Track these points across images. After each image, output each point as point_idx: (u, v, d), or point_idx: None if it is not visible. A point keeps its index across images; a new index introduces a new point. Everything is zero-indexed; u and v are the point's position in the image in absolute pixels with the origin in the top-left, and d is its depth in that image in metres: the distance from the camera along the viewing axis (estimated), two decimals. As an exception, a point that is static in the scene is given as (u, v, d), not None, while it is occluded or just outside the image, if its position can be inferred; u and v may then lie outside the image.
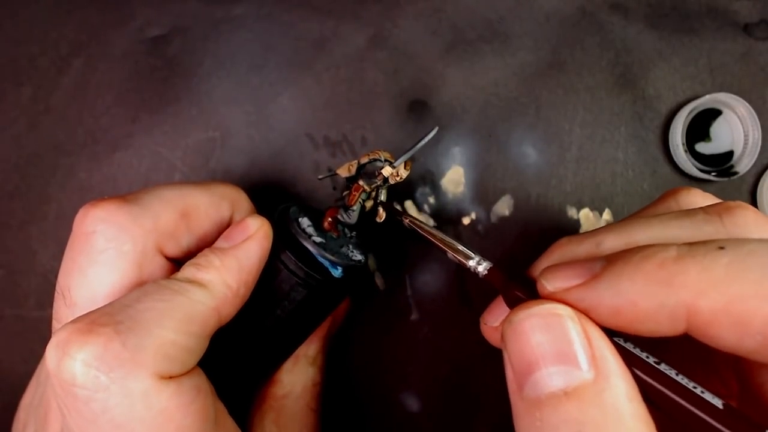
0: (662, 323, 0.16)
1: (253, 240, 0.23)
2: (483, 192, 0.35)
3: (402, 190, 0.36)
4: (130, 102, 0.36)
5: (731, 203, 0.18)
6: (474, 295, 0.35)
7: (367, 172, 0.28)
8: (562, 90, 0.36)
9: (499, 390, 0.34)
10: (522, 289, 0.20)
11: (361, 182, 0.27)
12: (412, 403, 0.34)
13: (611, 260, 0.17)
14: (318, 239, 0.25)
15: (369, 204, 0.28)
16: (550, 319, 0.17)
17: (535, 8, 0.36)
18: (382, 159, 0.27)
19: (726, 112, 0.36)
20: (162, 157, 0.36)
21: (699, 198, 0.21)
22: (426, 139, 0.26)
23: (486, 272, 0.21)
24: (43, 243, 0.36)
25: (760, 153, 0.35)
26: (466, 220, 0.35)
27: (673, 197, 0.22)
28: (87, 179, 0.36)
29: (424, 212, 0.35)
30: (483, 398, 0.34)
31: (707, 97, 0.34)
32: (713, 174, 0.35)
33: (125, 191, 0.36)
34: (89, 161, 0.36)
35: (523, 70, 0.36)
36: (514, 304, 0.19)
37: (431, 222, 0.35)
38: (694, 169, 0.34)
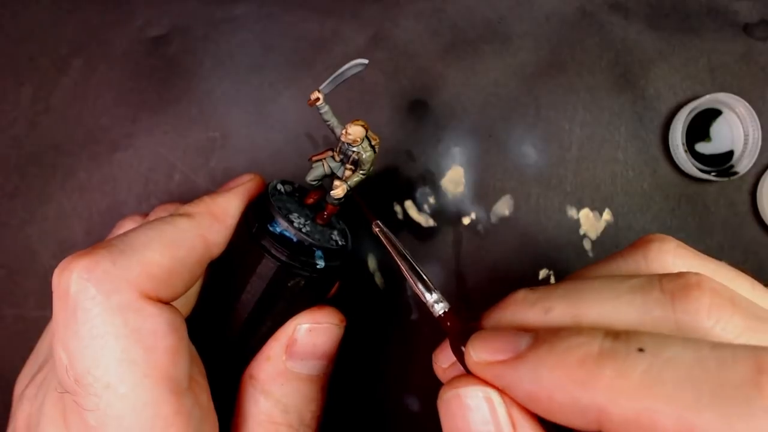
0: (576, 420, 0.15)
1: (243, 186, 0.26)
2: (483, 192, 0.35)
3: (402, 191, 0.36)
4: (130, 102, 0.36)
5: (692, 280, 0.17)
6: (473, 296, 0.35)
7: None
8: (562, 90, 0.36)
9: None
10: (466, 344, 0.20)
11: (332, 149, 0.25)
12: (413, 403, 0.34)
13: (537, 342, 0.17)
14: (299, 223, 0.24)
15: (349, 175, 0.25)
16: (476, 401, 0.17)
17: (535, 8, 0.36)
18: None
19: (726, 112, 0.36)
20: (162, 157, 0.36)
21: (669, 256, 0.20)
22: (349, 68, 0.23)
23: (441, 314, 0.21)
24: (43, 243, 0.36)
25: (760, 153, 0.35)
26: (466, 220, 0.35)
27: (642, 252, 0.21)
28: (87, 179, 0.36)
29: (424, 212, 0.36)
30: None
31: (707, 97, 0.34)
32: (713, 174, 0.35)
33: (125, 191, 0.36)
34: (89, 161, 0.36)
35: (523, 70, 0.36)
36: (459, 356, 0.20)
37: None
38: (694, 169, 0.34)
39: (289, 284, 0.24)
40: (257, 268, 0.24)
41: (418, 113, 0.36)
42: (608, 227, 0.36)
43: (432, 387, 0.35)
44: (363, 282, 0.35)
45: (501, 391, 0.17)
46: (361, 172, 0.24)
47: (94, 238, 0.36)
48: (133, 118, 0.36)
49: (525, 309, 0.19)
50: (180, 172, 0.36)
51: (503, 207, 0.36)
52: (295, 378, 0.24)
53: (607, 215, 0.36)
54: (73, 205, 0.36)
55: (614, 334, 0.16)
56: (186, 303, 0.26)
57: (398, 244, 0.23)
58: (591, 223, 0.36)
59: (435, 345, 0.28)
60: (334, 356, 0.26)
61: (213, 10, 0.37)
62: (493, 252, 0.35)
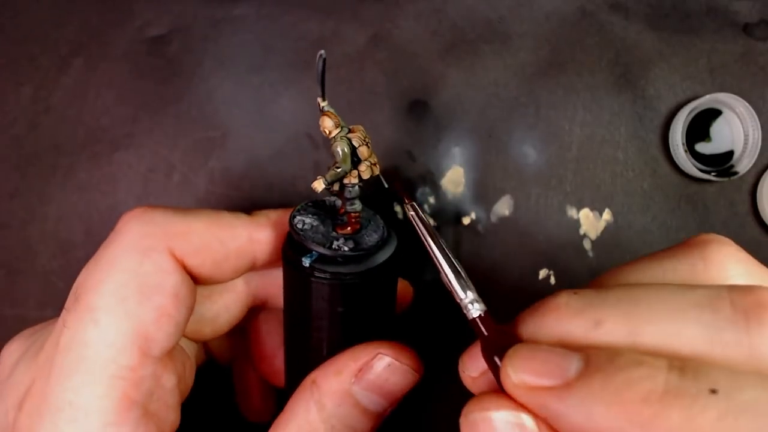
0: None
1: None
2: (483, 192, 0.35)
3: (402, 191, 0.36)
4: (130, 102, 0.36)
5: (766, 297, 0.15)
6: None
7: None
8: (562, 90, 0.36)
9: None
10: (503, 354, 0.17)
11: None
12: (412, 403, 0.34)
13: (590, 368, 0.15)
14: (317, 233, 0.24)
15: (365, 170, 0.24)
16: (508, 427, 0.16)
17: (535, 8, 0.36)
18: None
19: (726, 112, 0.36)
20: (162, 157, 0.36)
21: (731, 261, 0.18)
22: (319, 65, 0.23)
23: (477, 317, 0.18)
24: (43, 243, 0.36)
25: (760, 153, 0.35)
26: (466, 220, 0.35)
27: (699, 253, 0.18)
28: (87, 179, 0.36)
29: (425, 212, 0.35)
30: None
31: (707, 97, 0.34)
32: (713, 174, 0.35)
33: (125, 191, 0.36)
34: (89, 161, 0.36)
35: (523, 70, 0.36)
36: (494, 370, 0.18)
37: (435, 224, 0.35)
38: (694, 169, 0.34)
39: (332, 293, 0.23)
40: (306, 291, 0.23)
41: (418, 113, 0.36)
42: (608, 227, 0.36)
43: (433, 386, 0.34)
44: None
45: (537, 417, 0.16)
46: (335, 166, 0.24)
47: (94, 238, 0.36)
48: (133, 118, 0.36)
49: (569, 318, 0.17)
50: (179, 172, 0.36)
51: (503, 207, 0.36)
52: (354, 405, 0.23)
53: (607, 215, 0.36)
54: (73, 205, 0.36)
55: (680, 368, 0.14)
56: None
57: (434, 232, 0.20)
58: (591, 223, 0.36)
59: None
60: (397, 402, 0.24)
61: (213, 10, 0.37)
62: (493, 252, 0.35)
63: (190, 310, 0.23)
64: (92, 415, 0.20)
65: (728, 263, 0.18)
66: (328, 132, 0.23)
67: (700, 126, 0.36)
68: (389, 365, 0.23)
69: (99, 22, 0.37)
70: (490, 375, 0.18)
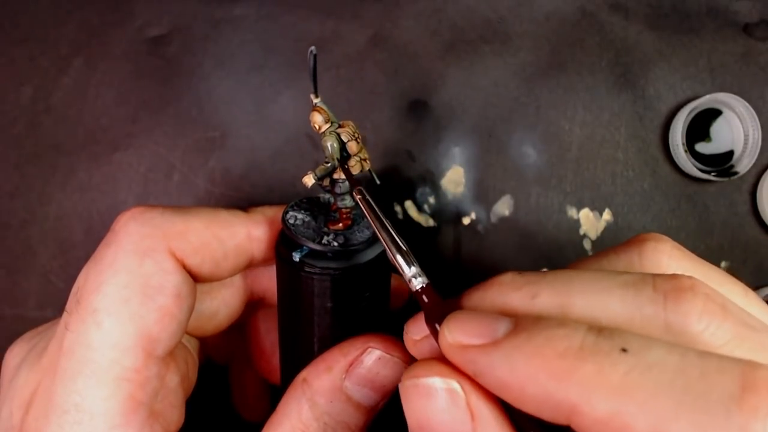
0: (546, 413, 0.15)
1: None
2: (483, 192, 0.35)
3: (402, 191, 0.36)
4: (130, 102, 0.36)
5: (685, 283, 0.17)
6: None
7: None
8: (562, 90, 0.36)
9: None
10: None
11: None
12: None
13: (517, 329, 0.16)
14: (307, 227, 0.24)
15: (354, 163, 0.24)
16: (437, 391, 0.17)
17: (535, 8, 0.36)
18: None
19: (726, 112, 0.36)
20: (162, 157, 0.36)
21: (664, 257, 0.20)
22: (310, 61, 0.23)
23: (418, 289, 0.20)
24: (43, 243, 0.36)
25: (760, 153, 0.35)
26: (466, 220, 0.35)
27: (637, 250, 0.21)
28: (87, 179, 0.36)
29: (425, 212, 0.35)
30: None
31: (707, 97, 0.34)
32: (713, 174, 0.35)
33: (125, 191, 0.36)
34: (89, 161, 0.36)
35: (523, 70, 0.36)
36: (434, 334, 0.19)
37: (431, 219, 0.35)
38: (694, 169, 0.34)
39: (322, 287, 0.23)
40: (297, 286, 0.24)
41: (418, 113, 0.36)
42: (608, 227, 0.36)
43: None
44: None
45: (467, 377, 0.17)
46: (325, 161, 0.24)
47: (94, 238, 0.36)
48: (133, 118, 0.36)
49: (510, 292, 0.19)
50: (179, 172, 0.36)
51: (503, 207, 0.36)
52: (347, 400, 0.23)
53: (607, 215, 0.36)
54: (73, 205, 0.36)
55: (598, 330, 0.15)
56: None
57: (380, 214, 0.22)
58: (591, 223, 0.36)
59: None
60: (389, 395, 0.24)
61: (213, 10, 0.37)
62: (493, 252, 0.35)
63: (192, 308, 0.23)
64: (98, 417, 0.20)
65: (662, 258, 0.20)
66: (317, 127, 0.24)
67: (700, 126, 0.36)
68: (380, 358, 0.23)
69: (99, 22, 0.37)
70: (431, 341, 0.19)
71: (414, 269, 0.20)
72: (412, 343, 0.21)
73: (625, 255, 0.21)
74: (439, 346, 0.18)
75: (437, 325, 0.18)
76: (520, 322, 0.16)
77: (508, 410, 0.17)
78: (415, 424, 0.18)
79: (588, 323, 0.16)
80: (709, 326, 0.16)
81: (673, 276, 0.17)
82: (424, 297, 0.20)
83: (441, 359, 0.18)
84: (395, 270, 0.21)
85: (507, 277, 0.19)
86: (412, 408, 0.18)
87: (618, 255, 0.21)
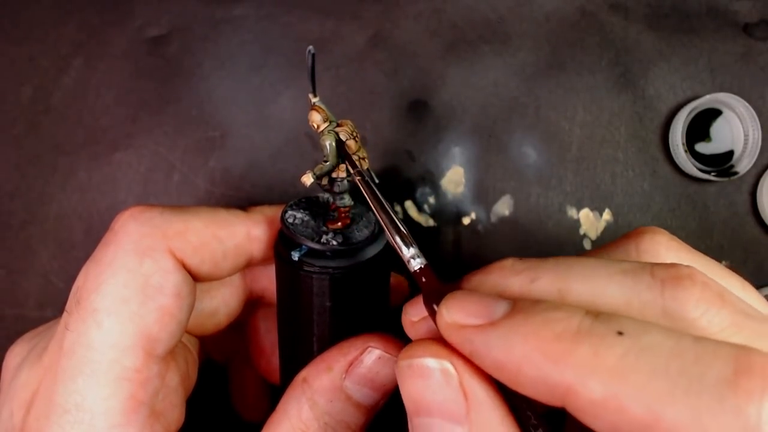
0: (541, 394, 0.15)
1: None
2: (483, 192, 0.35)
3: (402, 191, 0.36)
4: (130, 102, 0.36)
5: (683, 271, 0.17)
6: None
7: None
8: (562, 90, 0.36)
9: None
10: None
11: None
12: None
13: (515, 310, 0.16)
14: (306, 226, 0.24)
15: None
16: (431, 372, 0.17)
17: (535, 8, 0.36)
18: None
19: (726, 112, 0.36)
20: (162, 157, 0.36)
21: (661, 248, 0.20)
22: (309, 60, 0.23)
23: (417, 269, 0.20)
24: (43, 243, 0.36)
25: (760, 153, 0.35)
26: (466, 220, 0.35)
27: (634, 242, 0.21)
28: (87, 179, 0.36)
29: (425, 212, 0.35)
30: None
31: (707, 97, 0.34)
32: (713, 174, 0.35)
33: (125, 191, 0.36)
34: (89, 161, 0.36)
35: (523, 70, 0.36)
36: (432, 314, 0.19)
37: (433, 217, 0.35)
38: (694, 169, 0.34)
39: (321, 286, 0.23)
40: (296, 286, 0.24)
41: (418, 113, 0.36)
42: (608, 227, 0.36)
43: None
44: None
45: (462, 358, 0.17)
46: (323, 160, 0.24)
47: (94, 238, 0.36)
48: (133, 118, 0.36)
49: (510, 276, 0.19)
50: (179, 172, 0.36)
51: (503, 207, 0.36)
52: (347, 400, 0.23)
53: (607, 215, 0.36)
54: (73, 205, 0.36)
55: (595, 314, 0.15)
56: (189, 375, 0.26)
57: (379, 195, 0.22)
58: (591, 223, 0.36)
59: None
60: (389, 394, 0.24)
61: (213, 10, 0.37)
62: (493, 252, 0.35)
63: (191, 307, 0.24)
64: (98, 417, 0.20)
65: (660, 250, 0.20)
66: (316, 126, 0.24)
67: (700, 126, 0.36)
68: (379, 358, 0.23)
69: (99, 21, 0.37)
70: (429, 323, 0.19)
71: (413, 250, 0.20)
72: (410, 324, 0.21)
73: (623, 247, 0.21)
74: (436, 326, 0.18)
75: (435, 306, 0.19)
76: (518, 304, 0.16)
77: (504, 392, 0.17)
78: (411, 404, 0.18)
79: (586, 307, 0.16)
80: (706, 313, 0.16)
81: (672, 265, 0.17)
82: (423, 277, 0.20)
83: (437, 340, 0.18)
84: (395, 269, 0.21)
85: (507, 262, 0.19)
86: (408, 388, 0.18)
87: (617, 247, 0.21)
